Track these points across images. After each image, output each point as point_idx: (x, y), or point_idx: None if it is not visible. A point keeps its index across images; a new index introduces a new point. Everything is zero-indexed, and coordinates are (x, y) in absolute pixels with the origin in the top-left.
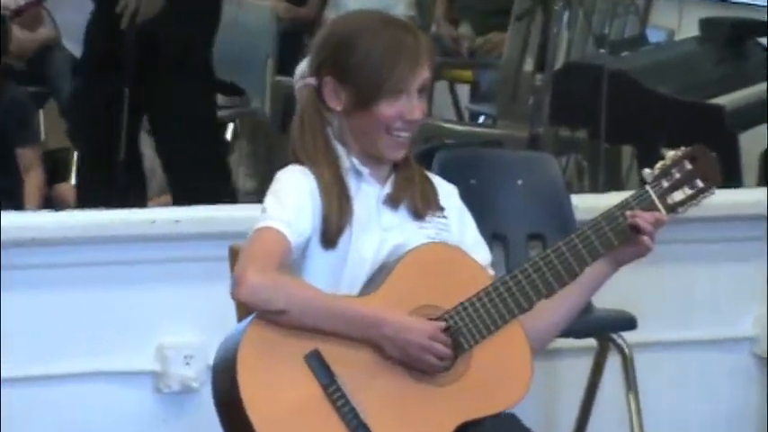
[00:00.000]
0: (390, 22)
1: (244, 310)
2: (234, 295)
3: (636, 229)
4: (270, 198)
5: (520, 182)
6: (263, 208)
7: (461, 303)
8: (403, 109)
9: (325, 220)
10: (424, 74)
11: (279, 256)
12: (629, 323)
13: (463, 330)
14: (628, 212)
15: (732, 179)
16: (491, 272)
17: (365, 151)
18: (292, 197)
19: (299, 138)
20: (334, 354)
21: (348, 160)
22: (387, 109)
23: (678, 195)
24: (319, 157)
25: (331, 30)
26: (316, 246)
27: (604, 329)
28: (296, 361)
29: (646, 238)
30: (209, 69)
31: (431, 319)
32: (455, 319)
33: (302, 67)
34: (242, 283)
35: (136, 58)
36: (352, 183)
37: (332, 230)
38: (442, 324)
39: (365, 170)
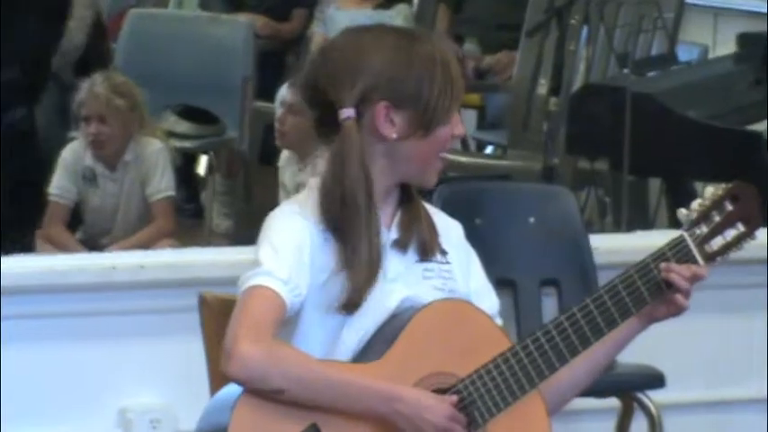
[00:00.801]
0: (418, 39)
1: (221, 376)
2: (224, 370)
3: (670, 286)
4: (264, 248)
5: (532, 220)
6: (255, 260)
7: (477, 372)
8: (453, 126)
9: (353, 288)
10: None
11: (275, 323)
12: (657, 381)
13: (478, 403)
14: (662, 265)
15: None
16: (499, 321)
17: (389, 185)
18: (291, 248)
19: (348, 188)
20: (333, 427)
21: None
22: (444, 130)
23: (718, 242)
24: (372, 214)
25: (364, 55)
26: (312, 306)
27: (629, 388)
28: None
29: (679, 296)
30: None
31: (443, 390)
32: (470, 389)
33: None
34: (234, 357)
35: None
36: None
37: (359, 300)
38: (455, 398)
39: (378, 212)
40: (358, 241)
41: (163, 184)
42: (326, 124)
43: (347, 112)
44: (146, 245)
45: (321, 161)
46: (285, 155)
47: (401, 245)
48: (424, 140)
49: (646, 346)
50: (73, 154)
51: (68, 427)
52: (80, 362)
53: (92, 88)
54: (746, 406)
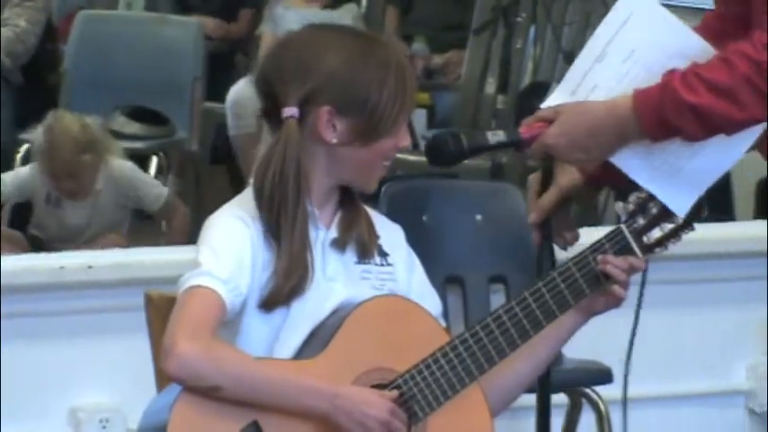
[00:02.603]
0: (379, 43)
1: (166, 375)
2: (163, 369)
3: (608, 277)
4: (204, 250)
5: (479, 217)
6: (195, 260)
7: (416, 366)
8: (399, 137)
9: (277, 284)
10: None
11: (213, 322)
12: (605, 376)
13: (418, 397)
14: (599, 257)
15: (722, 211)
16: (442, 323)
17: (329, 186)
18: (230, 249)
19: (278, 183)
20: (274, 425)
21: (307, 200)
22: (388, 142)
23: (656, 233)
24: (299, 212)
25: (315, 55)
26: (253, 307)
27: (577, 384)
28: None
29: (616, 287)
30: None
31: (383, 385)
32: (410, 384)
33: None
34: (172, 355)
35: None
36: (311, 232)
37: (281, 298)
38: (395, 393)
39: (317, 212)
40: (285, 238)
41: (155, 191)
42: (271, 117)
43: (290, 111)
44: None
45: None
46: None
47: (340, 244)
48: (365, 149)
49: (593, 341)
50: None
51: (19, 427)
52: (29, 362)
53: (56, 149)
54: (695, 400)
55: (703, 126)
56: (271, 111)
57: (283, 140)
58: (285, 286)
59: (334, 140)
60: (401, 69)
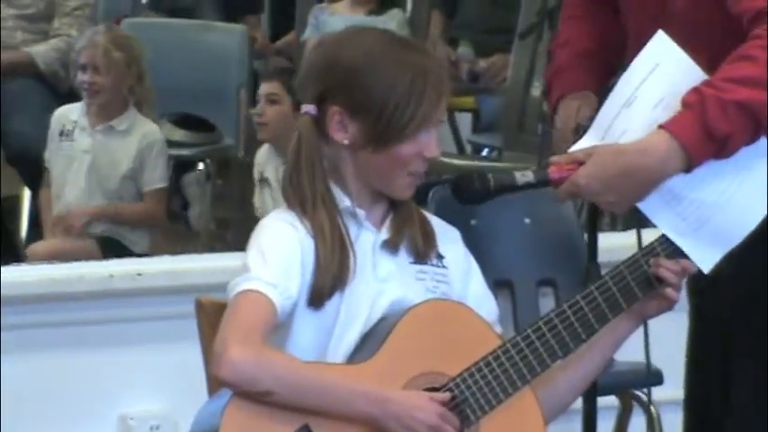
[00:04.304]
0: (406, 46)
1: (217, 381)
2: (215, 374)
3: (660, 281)
4: (253, 253)
5: (527, 221)
6: (244, 265)
7: (468, 370)
8: (422, 147)
9: (319, 275)
10: (445, 104)
11: (264, 326)
12: (655, 378)
13: (470, 401)
14: (651, 260)
15: None
16: (498, 329)
17: (370, 189)
18: (279, 252)
19: (294, 175)
20: (325, 429)
21: (348, 200)
22: (407, 148)
23: None
24: (318, 199)
25: (335, 54)
26: (302, 306)
27: (627, 385)
28: None
29: (669, 290)
30: None
31: (435, 389)
32: (461, 387)
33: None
34: (224, 360)
35: None
36: (350, 229)
37: (325, 288)
38: (447, 396)
39: (361, 212)
40: (315, 231)
41: (156, 175)
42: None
43: (306, 108)
44: (127, 220)
45: None
46: (264, 150)
47: (391, 245)
48: (380, 155)
49: (643, 343)
50: (61, 113)
51: None
52: (80, 370)
53: (92, 37)
54: None
55: (755, 120)
56: (298, 109)
57: (297, 137)
58: (326, 276)
59: (346, 142)
60: (422, 75)
